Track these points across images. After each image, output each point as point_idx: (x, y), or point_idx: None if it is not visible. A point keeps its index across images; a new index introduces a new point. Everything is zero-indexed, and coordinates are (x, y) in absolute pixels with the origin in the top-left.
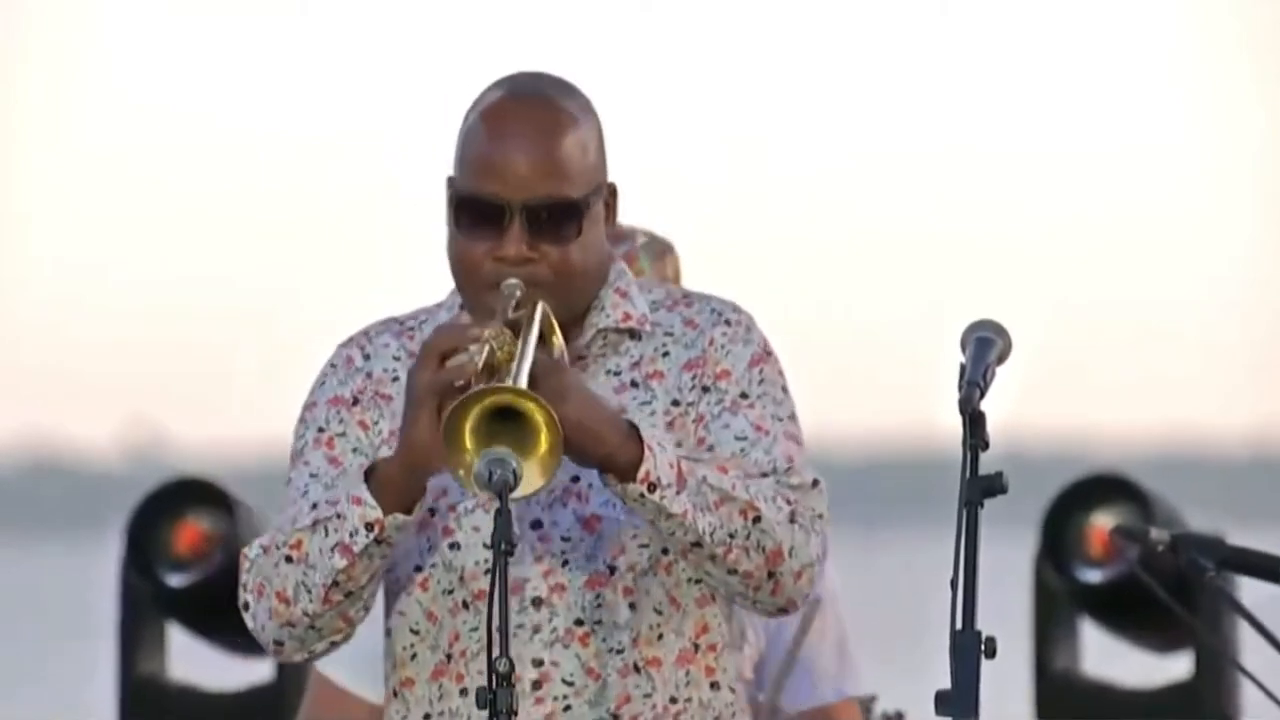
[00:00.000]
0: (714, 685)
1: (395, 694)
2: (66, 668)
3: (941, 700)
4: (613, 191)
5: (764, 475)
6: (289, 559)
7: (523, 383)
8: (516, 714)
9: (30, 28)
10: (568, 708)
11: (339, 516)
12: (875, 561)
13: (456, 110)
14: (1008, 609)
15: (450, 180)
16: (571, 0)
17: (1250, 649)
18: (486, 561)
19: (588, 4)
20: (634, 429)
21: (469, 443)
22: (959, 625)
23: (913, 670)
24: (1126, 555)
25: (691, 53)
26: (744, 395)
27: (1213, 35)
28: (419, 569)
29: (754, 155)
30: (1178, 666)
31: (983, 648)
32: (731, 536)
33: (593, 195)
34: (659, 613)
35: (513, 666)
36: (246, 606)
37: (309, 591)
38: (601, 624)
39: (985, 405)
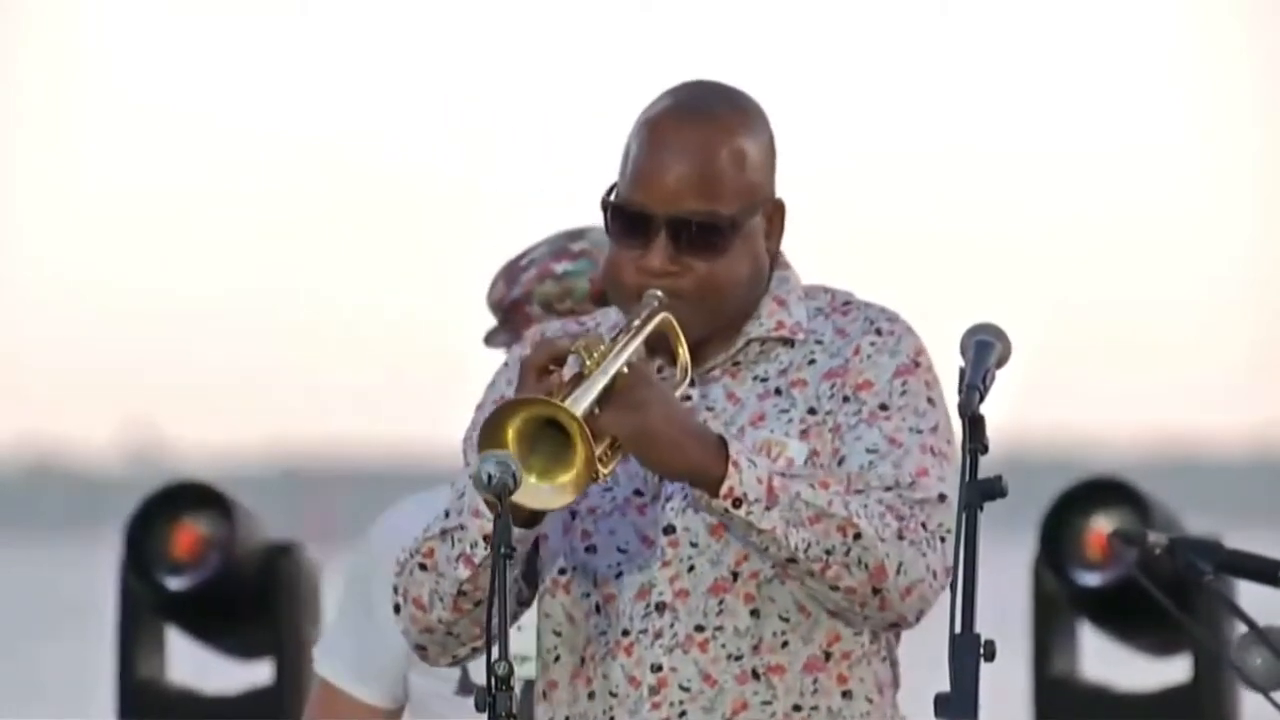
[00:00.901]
0: (846, 694)
1: (544, 695)
2: (65, 671)
3: (941, 703)
4: (778, 207)
5: (887, 489)
6: (423, 566)
7: (590, 395)
8: (516, 717)
9: (30, 27)
10: (683, 714)
11: (462, 528)
12: None
13: (455, 110)
14: (1007, 612)
15: (612, 186)
16: (571, 0)
17: None
18: (619, 564)
19: (588, 4)
20: (723, 443)
21: (514, 451)
22: (958, 628)
23: (912, 673)
24: (1125, 559)
25: (690, 53)
26: (883, 407)
27: (1213, 36)
28: (563, 571)
29: None
30: (1176, 669)
31: (982, 650)
32: (829, 553)
33: (746, 211)
34: (785, 620)
35: (511, 669)
36: (398, 609)
37: (441, 600)
38: (722, 630)
39: (985, 409)
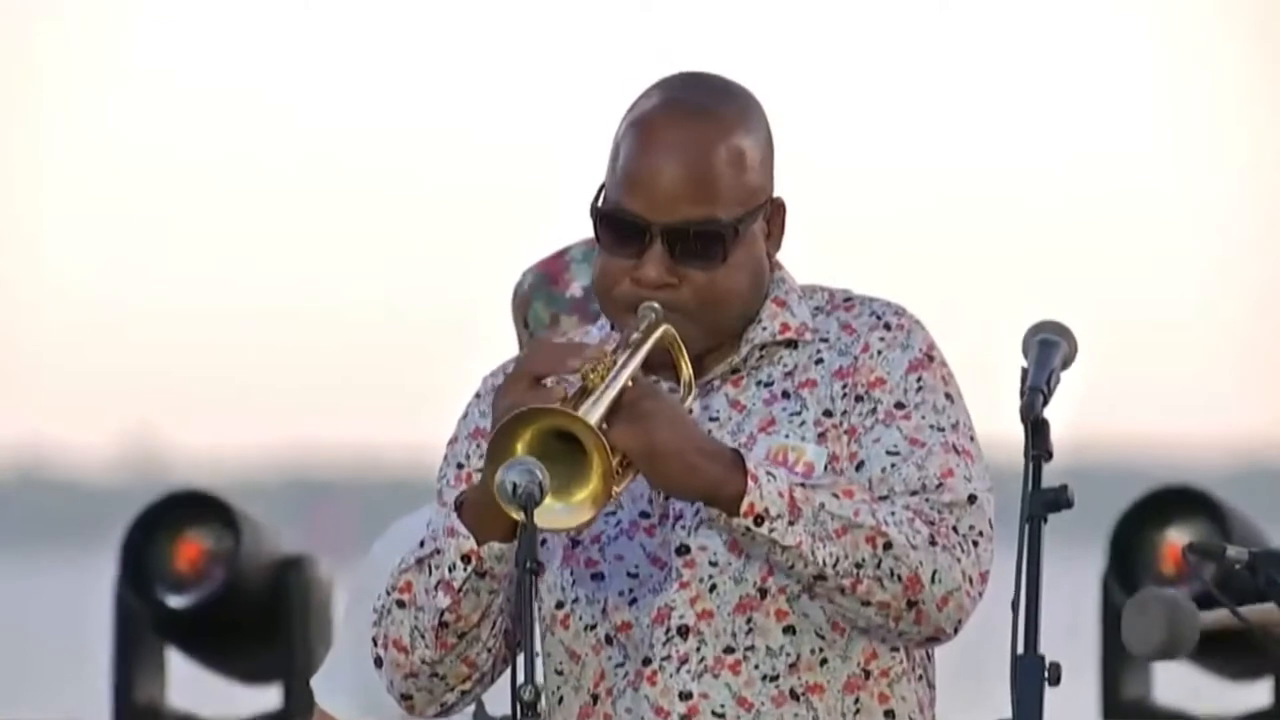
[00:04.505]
0: (889, 714)
1: None
2: (58, 695)
3: None
4: (778, 207)
5: (913, 493)
6: (400, 604)
7: (600, 409)
8: None
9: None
10: None
11: (438, 552)
12: None
13: (454, 110)
14: (1073, 632)
15: (601, 187)
16: (571, 1)
17: None
18: (631, 591)
19: (588, 4)
20: (738, 458)
21: None
22: (1020, 650)
23: (970, 699)
24: (1201, 574)
25: (691, 55)
26: (899, 405)
27: (1213, 36)
28: (560, 605)
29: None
30: (1257, 695)
31: (1046, 674)
32: (859, 566)
33: (748, 216)
34: (821, 636)
35: (538, 695)
36: (378, 662)
37: (423, 636)
38: (754, 650)
39: (1049, 412)
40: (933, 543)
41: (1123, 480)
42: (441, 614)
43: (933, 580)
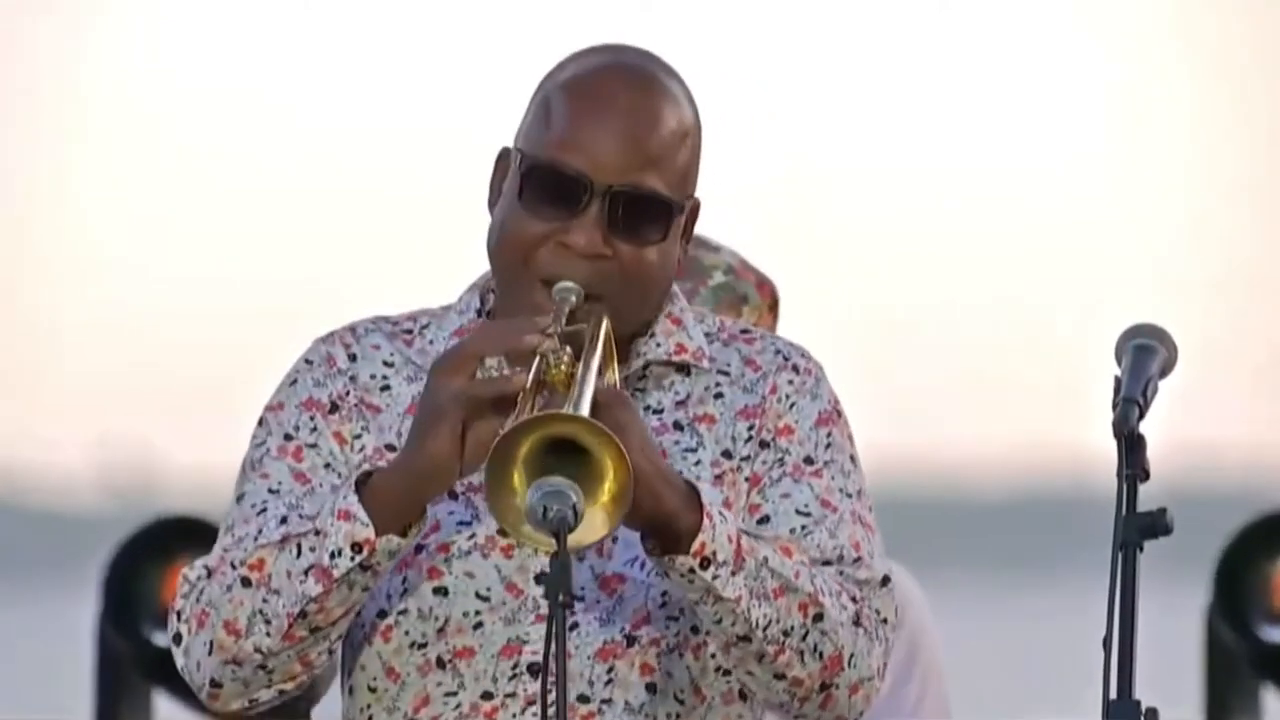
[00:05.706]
0: None
1: None
2: None
3: None
4: (696, 206)
5: (826, 563)
6: (245, 581)
7: (585, 411)
8: None
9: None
10: None
11: (317, 533)
12: (1010, 615)
13: (460, 111)
14: (1174, 674)
15: (515, 151)
16: (572, 1)
17: None
18: (479, 615)
19: (588, 5)
20: (694, 490)
21: (518, 480)
22: (1114, 693)
23: None
24: None
25: (693, 55)
26: (809, 460)
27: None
28: (383, 614)
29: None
30: None
31: None
32: (786, 635)
33: (683, 200)
34: (680, 701)
35: None
36: (178, 639)
37: (268, 622)
38: (611, 703)
39: (1145, 427)
40: (856, 623)
41: (1229, 503)
42: (305, 602)
43: (849, 663)
